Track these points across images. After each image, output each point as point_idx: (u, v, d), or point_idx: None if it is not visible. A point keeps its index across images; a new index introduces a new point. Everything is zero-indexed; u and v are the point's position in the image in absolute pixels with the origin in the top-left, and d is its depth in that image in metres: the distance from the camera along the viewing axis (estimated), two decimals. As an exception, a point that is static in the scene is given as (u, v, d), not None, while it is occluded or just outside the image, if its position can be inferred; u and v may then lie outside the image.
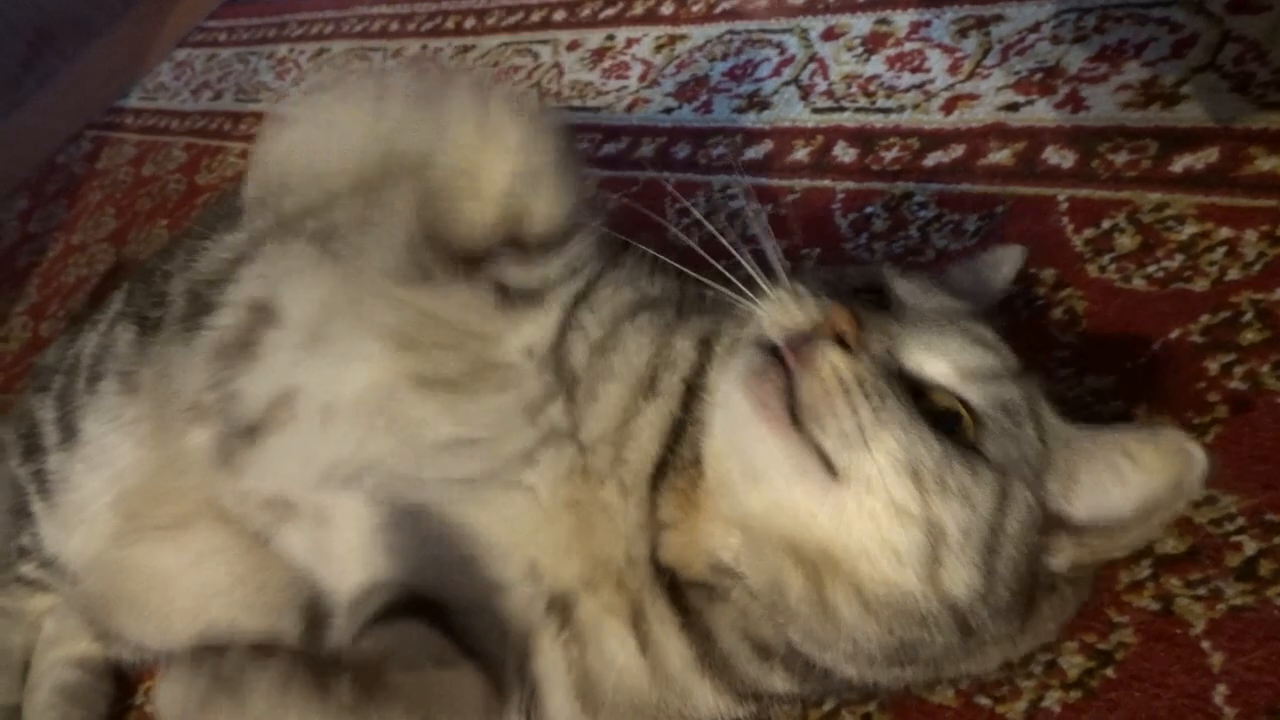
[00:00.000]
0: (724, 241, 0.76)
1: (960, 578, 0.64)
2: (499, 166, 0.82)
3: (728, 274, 0.75)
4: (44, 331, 1.82)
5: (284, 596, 0.92)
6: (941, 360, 0.68)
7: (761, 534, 0.69)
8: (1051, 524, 0.68)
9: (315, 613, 0.90)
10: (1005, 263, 0.88)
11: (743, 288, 0.73)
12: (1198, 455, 0.65)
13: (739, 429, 0.68)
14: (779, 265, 0.73)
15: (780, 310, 0.70)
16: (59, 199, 2.20)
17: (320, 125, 0.83)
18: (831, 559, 0.66)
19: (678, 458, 0.76)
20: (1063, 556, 0.69)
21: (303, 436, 0.87)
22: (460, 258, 0.85)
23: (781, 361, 0.67)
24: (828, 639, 0.68)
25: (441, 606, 0.79)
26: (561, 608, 0.77)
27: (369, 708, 0.62)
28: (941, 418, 0.66)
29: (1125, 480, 0.68)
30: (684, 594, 0.75)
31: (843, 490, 0.64)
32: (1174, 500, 0.66)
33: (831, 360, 0.65)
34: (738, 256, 0.74)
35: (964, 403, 0.67)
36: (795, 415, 0.65)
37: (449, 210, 0.84)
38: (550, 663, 0.77)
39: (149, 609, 1.04)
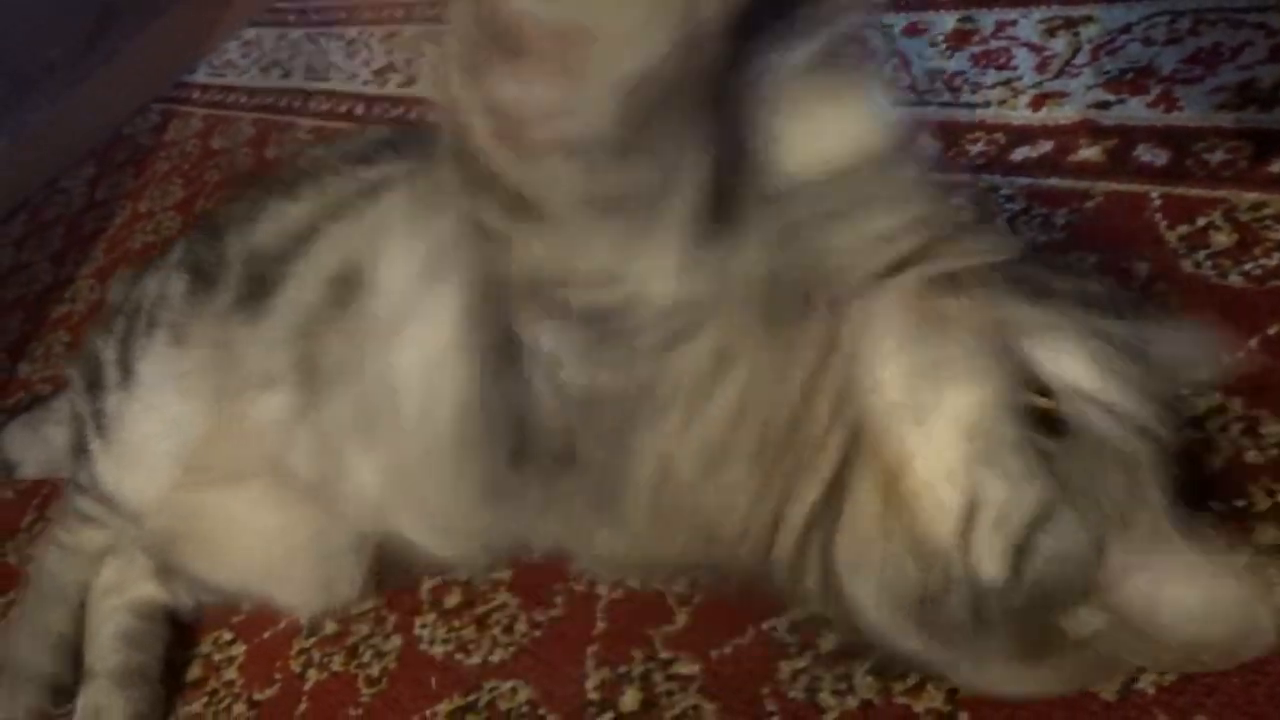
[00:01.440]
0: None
1: (986, 559, 0.62)
2: None
3: None
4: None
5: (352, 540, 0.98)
6: (1077, 361, 0.64)
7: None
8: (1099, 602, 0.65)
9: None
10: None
11: None
12: (1268, 626, 0.60)
13: None
14: None
15: None
16: (126, 168, 2.23)
17: None
18: (895, 475, 0.65)
19: None
20: (1092, 626, 0.66)
21: None
22: None
23: None
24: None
25: None
26: None
27: None
28: (1041, 419, 0.63)
29: (1184, 596, 0.63)
30: None
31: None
32: (1224, 648, 0.62)
33: None
34: None
35: (1062, 417, 0.63)
36: None
37: None
38: None
39: (217, 549, 1.06)
